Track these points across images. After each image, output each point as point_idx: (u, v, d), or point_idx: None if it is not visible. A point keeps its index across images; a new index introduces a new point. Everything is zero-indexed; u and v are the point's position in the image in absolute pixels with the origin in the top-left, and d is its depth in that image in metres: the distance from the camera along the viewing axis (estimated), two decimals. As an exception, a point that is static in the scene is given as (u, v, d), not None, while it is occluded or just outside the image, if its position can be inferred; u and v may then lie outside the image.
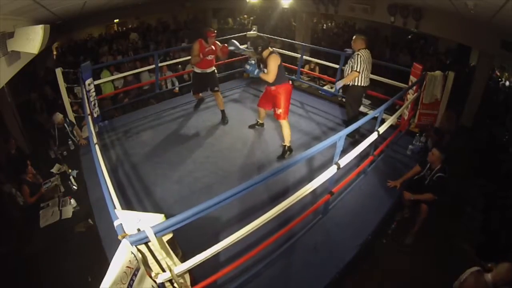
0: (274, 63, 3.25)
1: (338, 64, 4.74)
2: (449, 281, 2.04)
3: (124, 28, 11.24)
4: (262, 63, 3.41)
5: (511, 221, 2.98)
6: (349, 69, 3.73)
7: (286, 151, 3.64)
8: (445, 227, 3.07)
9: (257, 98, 5.14)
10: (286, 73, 3.62)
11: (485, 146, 4.52)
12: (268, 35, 5.60)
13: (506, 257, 2.25)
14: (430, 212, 2.88)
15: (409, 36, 8.87)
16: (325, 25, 11.23)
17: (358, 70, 3.60)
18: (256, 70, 3.33)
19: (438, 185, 2.84)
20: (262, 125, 4.29)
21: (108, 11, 7.62)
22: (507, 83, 6.78)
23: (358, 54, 3.61)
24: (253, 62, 3.37)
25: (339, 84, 3.88)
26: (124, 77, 5.82)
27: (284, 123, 3.54)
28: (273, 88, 3.45)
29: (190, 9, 10.79)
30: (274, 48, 3.45)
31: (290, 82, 3.59)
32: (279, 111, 3.49)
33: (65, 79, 4.19)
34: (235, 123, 4.45)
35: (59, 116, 4.07)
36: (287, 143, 3.63)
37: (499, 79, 6.95)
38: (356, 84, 3.74)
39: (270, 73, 3.28)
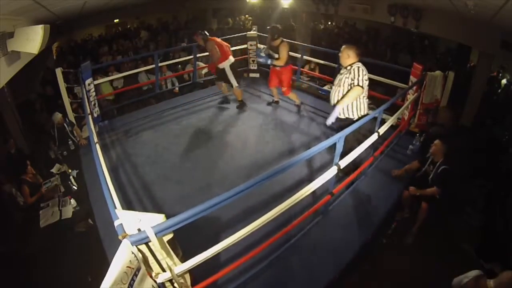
0: (286, 50, 4.06)
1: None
2: (449, 281, 2.04)
3: (124, 28, 11.23)
4: (273, 49, 4.11)
5: (511, 221, 2.98)
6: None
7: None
8: (445, 227, 3.07)
9: (257, 98, 5.14)
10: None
11: (485, 146, 4.51)
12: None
13: (506, 257, 2.25)
14: (430, 212, 2.88)
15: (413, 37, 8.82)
16: (325, 25, 11.23)
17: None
18: (269, 60, 4.12)
19: (443, 178, 2.84)
20: (277, 102, 4.89)
21: (108, 11, 7.62)
22: (505, 81, 6.78)
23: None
24: (263, 55, 4.14)
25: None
26: (124, 77, 5.76)
27: (291, 95, 4.51)
28: (278, 69, 4.23)
29: (190, 9, 10.79)
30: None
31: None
32: (284, 88, 4.37)
33: (65, 79, 4.19)
34: (235, 123, 4.44)
35: (58, 116, 4.07)
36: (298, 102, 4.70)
37: (499, 79, 6.94)
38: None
39: (283, 59, 4.09)
